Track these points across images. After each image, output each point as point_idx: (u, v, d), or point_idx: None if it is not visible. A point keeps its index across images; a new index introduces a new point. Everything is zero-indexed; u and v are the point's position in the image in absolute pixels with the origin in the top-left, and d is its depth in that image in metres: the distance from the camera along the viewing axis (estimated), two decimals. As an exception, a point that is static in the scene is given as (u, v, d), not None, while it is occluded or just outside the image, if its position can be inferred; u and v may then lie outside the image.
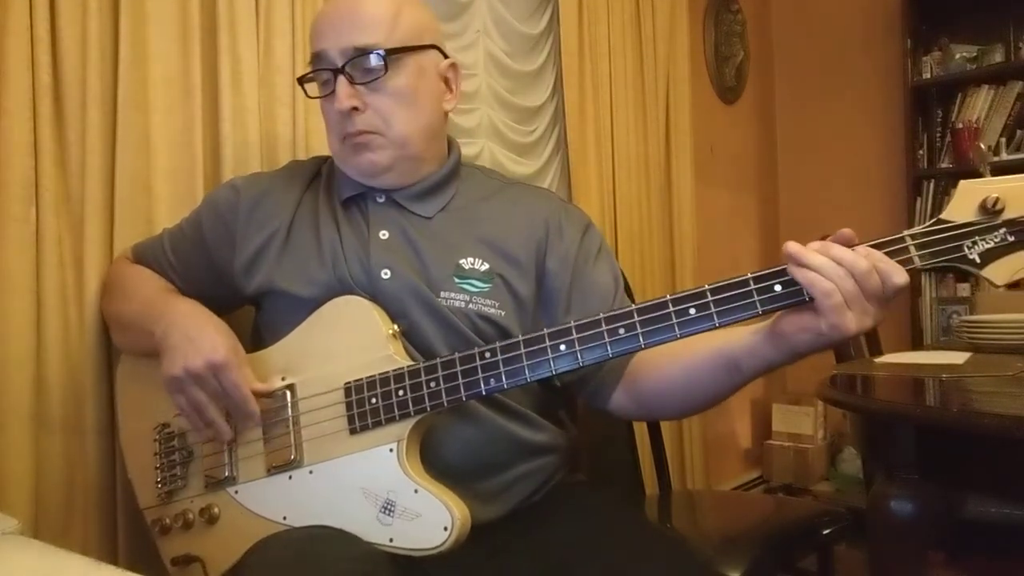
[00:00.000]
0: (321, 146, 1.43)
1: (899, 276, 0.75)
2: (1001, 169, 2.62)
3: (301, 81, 1.06)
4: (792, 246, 0.77)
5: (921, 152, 2.91)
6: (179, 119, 1.26)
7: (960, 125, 2.80)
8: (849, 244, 0.77)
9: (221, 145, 1.31)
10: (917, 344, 2.77)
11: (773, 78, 3.37)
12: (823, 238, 0.79)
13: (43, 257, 1.11)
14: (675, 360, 0.93)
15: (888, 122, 3.03)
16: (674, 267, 2.49)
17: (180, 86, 1.27)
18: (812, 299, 0.76)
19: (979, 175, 0.78)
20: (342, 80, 0.98)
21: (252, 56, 1.35)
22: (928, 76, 2.89)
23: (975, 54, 2.85)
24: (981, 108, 2.79)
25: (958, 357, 1.43)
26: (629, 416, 1.07)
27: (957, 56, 2.85)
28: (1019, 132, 2.72)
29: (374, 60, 0.98)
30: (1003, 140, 2.72)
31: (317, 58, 1.01)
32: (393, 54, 0.99)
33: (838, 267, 0.74)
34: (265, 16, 1.38)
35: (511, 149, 2.04)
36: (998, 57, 2.80)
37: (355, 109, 0.98)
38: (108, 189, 1.18)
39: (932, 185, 2.87)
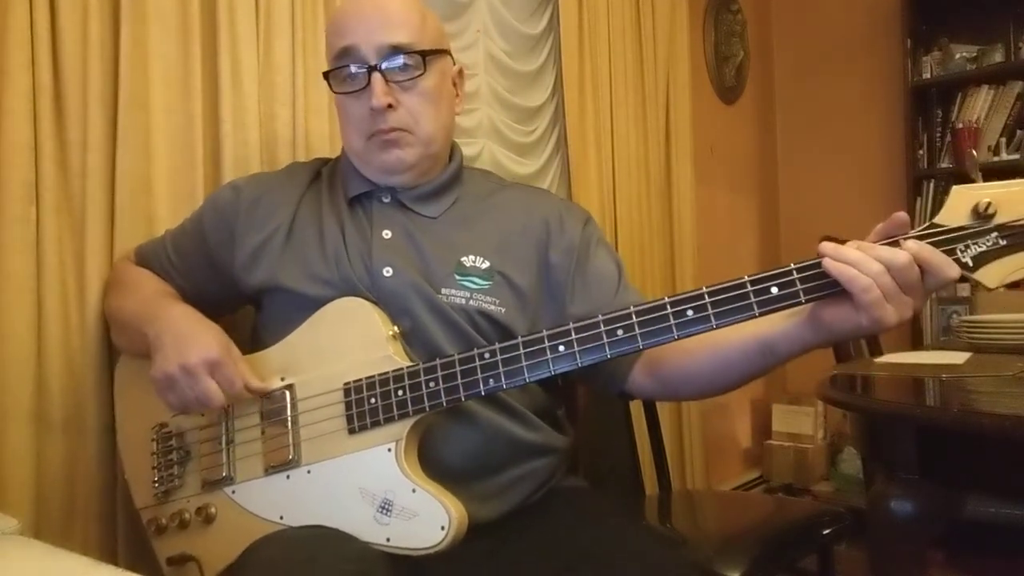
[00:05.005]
0: (321, 146, 1.44)
1: (951, 270, 0.75)
2: (1001, 169, 2.63)
3: (327, 75, 1.05)
4: (827, 246, 0.77)
5: (921, 152, 2.91)
6: (179, 119, 1.26)
7: (960, 125, 2.80)
8: (902, 228, 0.77)
9: (221, 145, 1.31)
10: (917, 344, 2.76)
11: (773, 78, 3.37)
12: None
13: (44, 257, 1.11)
14: (704, 343, 0.92)
15: (888, 122, 3.03)
16: (674, 267, 2.49)
17: (180, 86, 1.27)
18: (851, 294, 0.76)
19: (971, 180, 0.79)
20: (378, 77, 0.99)
21: (252, 56, 1.35)
22: (928, 76, 2.89)
23: (975, 54, 2.85)
24: (981, 108, 2.79)
25: (958, 357, 1.43)
26: (648, 396, 1.07)
27: (957, 56, 2.85)
28: (1019, 132, 2.72)
29: (414, 60, 1.00)
30: (1003, 140, 2.73)
31: (346, 53, 1.01)
32: (427, 55, 1.01)
33: (875, 263, 0.75)
34: (265, 16, 1.38)
35: (511, 149, 2.04)
36: (998, 57, 2.80)
37: (389, 106, 1.00)
38: (108, 189, 1.18)
39: (932, 185, 2.87)
